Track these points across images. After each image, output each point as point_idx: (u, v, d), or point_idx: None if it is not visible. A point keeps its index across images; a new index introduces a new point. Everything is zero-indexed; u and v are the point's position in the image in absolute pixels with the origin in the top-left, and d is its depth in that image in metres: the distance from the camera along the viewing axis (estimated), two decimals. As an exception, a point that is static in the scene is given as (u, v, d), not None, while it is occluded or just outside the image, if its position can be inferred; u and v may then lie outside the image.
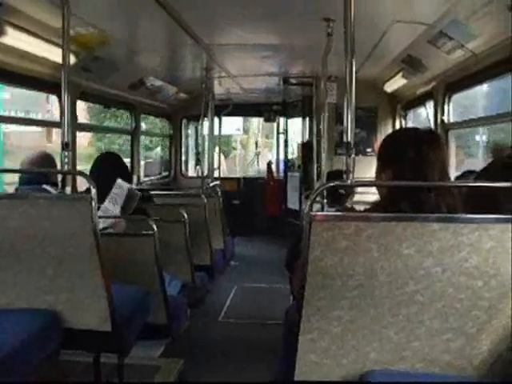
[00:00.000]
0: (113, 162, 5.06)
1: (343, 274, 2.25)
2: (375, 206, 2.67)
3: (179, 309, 4.84)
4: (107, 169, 4.85)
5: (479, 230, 2.14)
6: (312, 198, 2.27)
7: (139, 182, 8.59)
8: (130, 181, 5.26)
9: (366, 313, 2.37)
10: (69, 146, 3.32)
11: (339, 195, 5.07)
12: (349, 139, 2.50)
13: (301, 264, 2.26)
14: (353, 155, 2.48)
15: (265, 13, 4.70)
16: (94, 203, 3.08)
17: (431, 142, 2.58)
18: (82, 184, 3.75)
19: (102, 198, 4.43)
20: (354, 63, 2.60)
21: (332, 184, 2.81)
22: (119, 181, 4.43)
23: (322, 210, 3.83)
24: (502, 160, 2.86)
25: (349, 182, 2.49)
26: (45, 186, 4.08)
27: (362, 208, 2.92)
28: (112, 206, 4.42)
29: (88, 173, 4.76)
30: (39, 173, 4.29)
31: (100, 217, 3.87)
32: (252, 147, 22.66)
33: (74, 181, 5.57)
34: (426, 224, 2.16)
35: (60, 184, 4.72)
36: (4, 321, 3.13)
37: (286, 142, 12.08)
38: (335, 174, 4.85)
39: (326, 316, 2.37)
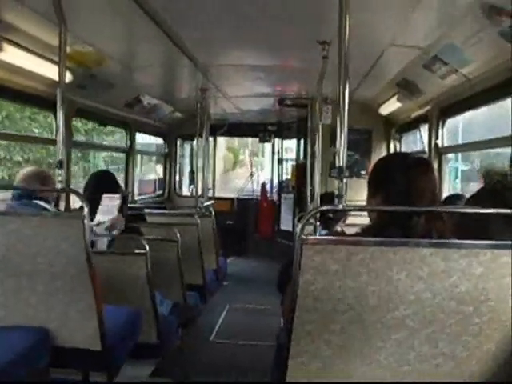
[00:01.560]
0: (107, 179, 5.10)
1: (333, 298, 2.24)
2: (366, 230, 2.67)
3: (170, 328, 4.83)
4: (101, 186, 4.89)
5: (470, 255, 2.14)
6: (304, 221, 2.27)
7: (133, 200, 8.59)
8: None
9: (356, 337, 2.36)
10: (63, 164, 3.33)
11: (332, 217, 5.07)
12: (341, 163, 2.51)
13: (291, 287, 2.26)
14: (345, 179, 2.49)
15: (261, 34, 4.73)
16: (86, 221, 3.08)
17: (420, 167, 2.59)
18: (77, 200, 3.75)
19: (95, 215, 4.46)
20: (347, 86, 2.61)
21: (324, 208, 2.82)
22: (106, 196, 4.49)
23: (315, 232, 3.85)
24: (491, 186, 2.87)
25: (341, 206, 2.49)
26: (37, 202, 4.07)
27: (354, 231, 2.92)
28: (106, 218, 4.46)
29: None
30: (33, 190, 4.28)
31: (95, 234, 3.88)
32: (248, 166, 22.68)
33: (68, 198, 5.57)
34: (417, 249, 2.16)
35: (54, 201, 4.70)
36: (-7, 338, 3.13)
37: (280, 163, 12.11)
38: (328, 197, 4.86)
39: (316, 340, 2.37)
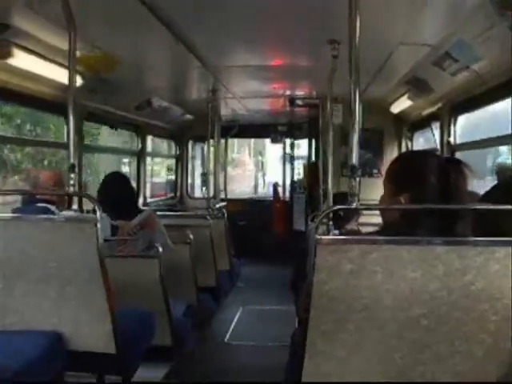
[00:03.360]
0: (119, 182, 5.14)
1: (348, 298, 2.24)
2: (383, 229, 2.62)
3: (184, 331, 4.83)
4: (114, 189, 4.94)
5: (485, 253, 2.13)
6: (318, 221, 2.27)
7: (146, 203, 8.59)
8: (136, 201, 5.36)
9: (371, 336, 2.35)
10: (75, 167, 3.33)
11: (345, 217, 5.06)
12: (354, 162, 2.50)
13: (306, 287, 2.25)
14: (358, 178, 2.48)
15: (270, 35, 4.73)
16: (98, 225, 3.08)
17: (455, 166, 2.52)
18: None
19: (110, 217, 4.49)
20: (358, 85, 2.60)
21: (337, 208, 2.80)
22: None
23: (328, 232, 3.84)
24: (506, 182, 2.83)
25: (354, 205, 2.48)
26: (41, 205, 4.07)
27: (368, 229, 2.90)
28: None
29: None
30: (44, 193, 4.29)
31: (105, 239, 3.89)
32: (248, 166, 22.53)
33: (81, 201, 5.59)
34: (431, 247, 2.15)
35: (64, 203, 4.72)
36: (9, 343, 3.13)
37: (292, 163, 12.09)
38: (341, 196, 4.84)
39: (331, 339, 2.36)
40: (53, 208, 4.09)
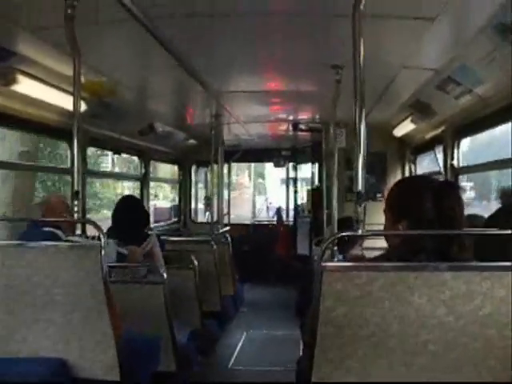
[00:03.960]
0: (133, 205, 5.19)
1: (355, 325, 2.22)
2: (386, 255, 2.61)
3: (189, 356, 4.81)
4: (127, 212, 4.97)
5: (491, 278, 2.12)
6: (323, 247, 2.26)
7: (149, 228, 8.58)
8: (148, 223, 5.41)
9: (378, 363, 2.33)
10: (79, 194, 3.34)
11: (350, 241, 5.04)
12: (359, 188, 2.49)
13: (311, 314, 2.24)
14: (363, 204, 2.47)
15: (274, 60, 4.75)
16: (102, 252, 3.08)
17: (450, 192, 2.53)
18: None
19: (123, 241, 4.50)
20: (363, 109, 2.60)
21: (344, 234, 2.78)
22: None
23: (333, 257, 3.82)
24: (510, 206, 2.82)
25: (360, 231, 2.47)
26: (48, 229, 4.06)
27: (372, 254, 2.88)
28: None
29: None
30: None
31: (111, 266, 3.89)
32: (246, 190, 22.34)
33: (84, 227, 5.58)
34: (438, 273, 2.14)
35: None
36: (13, 369, 3.12)
37: (295, 187, 12.10)
38: (346, 221, 4.83)
39: (338, 367, 2.34)
40: (60, 233, 4.08)
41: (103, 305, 3.18)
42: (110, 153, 8.06)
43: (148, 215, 5.50)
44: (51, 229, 4.07)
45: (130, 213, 5.03)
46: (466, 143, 5.95)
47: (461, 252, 2.41)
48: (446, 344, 2.26)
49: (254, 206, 18.45)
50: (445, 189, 2.55)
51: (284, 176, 12.90)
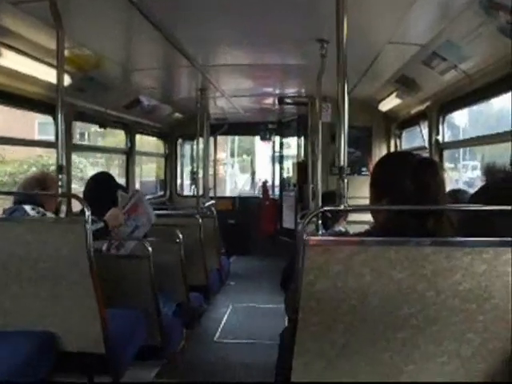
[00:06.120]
0: (106, 181, 5.09)
1: (337, 299, 2.24)
2: (371, 233, 2.64)
3: (174, 330, 4.83)
4: (100, 188, 4.90)
5: (472, 253, 2.14)
6: (306, 222, 2.26)
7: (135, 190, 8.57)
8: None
9: (360, 337, 2.36)
10: (63, 168, 3.33)
11: (334, 216, 5.06)
12: (341, 163, 2.50)
13: (294, 288, 2.25)
14: (346, 179, 2.48)
15: (259, 34, 4.72)
16: (88, 226, 3.08)
17: (429, 169, 2.55)
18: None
19: (98, 218, 4.45)
20: (346, 84, 2.60)
21: (326, 209, 2.80)
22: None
23: (317, 231, 3.83)
24: (494, 183, 2.83)
25: (342, 206, 2.48)
26: (23, 206, 4.02)
27: (356, 229, 2.90)
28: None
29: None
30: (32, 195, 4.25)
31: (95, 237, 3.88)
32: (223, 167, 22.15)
33: (69, 202, 5.56)
34: (419, 248, 2.16)
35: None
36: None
37: (281, 161, 12.10)
38: (330, 195, 4.85)
39: (320, 340, 2.36)
40: (42, 211, 4.06)
41: (88, 279, 3.19)
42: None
43: (123, 189, 5.39)
44: (33, 206, 4.04)
45: (103, 190, 4.94)
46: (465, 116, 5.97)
47: (438, 227, 2.45)
48: (427, 318, 2.28)
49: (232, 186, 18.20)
50: (421, 165, 2.58)
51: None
